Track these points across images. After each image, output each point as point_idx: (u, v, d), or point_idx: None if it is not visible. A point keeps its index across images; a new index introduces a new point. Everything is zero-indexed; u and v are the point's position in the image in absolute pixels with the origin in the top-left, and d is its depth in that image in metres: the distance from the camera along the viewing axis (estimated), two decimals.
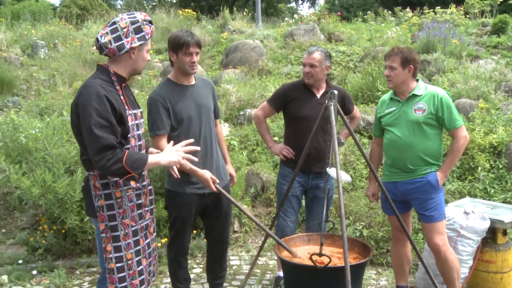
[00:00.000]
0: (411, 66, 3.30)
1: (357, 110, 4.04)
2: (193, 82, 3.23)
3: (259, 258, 4.74)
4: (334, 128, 2.81)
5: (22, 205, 4.77)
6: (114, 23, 2.51)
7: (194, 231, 4.88)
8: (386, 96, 3.57)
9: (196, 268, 4.50)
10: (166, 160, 2.56)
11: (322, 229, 2.86)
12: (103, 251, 2.56)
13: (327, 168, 3.05)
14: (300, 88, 3.74)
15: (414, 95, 3.34)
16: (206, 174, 3.05)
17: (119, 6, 32.13)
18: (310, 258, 2.59)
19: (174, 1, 29.32)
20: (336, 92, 2.87)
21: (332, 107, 2.87)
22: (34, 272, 4.19)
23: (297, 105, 3.70)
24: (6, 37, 8.63)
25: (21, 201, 4.74)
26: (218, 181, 3.11)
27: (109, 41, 2.47)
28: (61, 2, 22.87)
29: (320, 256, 2.64)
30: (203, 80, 3.37)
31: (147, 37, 2.53)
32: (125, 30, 2.49)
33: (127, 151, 2.41)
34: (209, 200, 3.28)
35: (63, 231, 4.40)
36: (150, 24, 2.56)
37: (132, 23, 2.50)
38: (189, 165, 2.94)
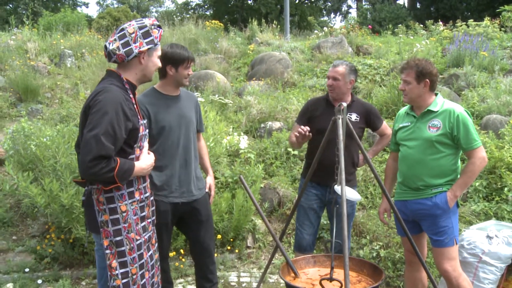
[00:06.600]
0: (427, 80, 3.08)
1: (386, 127, 3.86)
2: (177, 93, 3.29)
3: (271, 275, 4.58)
4: (341, 143, 2.66)
5: (34, 212, 4.76)
6: (122, 29, 2.50)
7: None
8: (403, 110, 3.38)
9: None
10: (148, 165, 2.59)
11: (332, 250, 2.68)
12: (107, 267, 2.46)
13: (335, 186, 2.90)
14: (323, 102, 3.75)
15: (430, 111, 3.12)
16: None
17: (153, 18, 32.78)
18: (320, 283, 2.43)
19: (208, 14, 29.69)
20: (345, 104, 2.74)
21: (339, 121, 2.74)
22: (39, 281, 4.15)
23: (318, 119, 3.68)
24: (35, 46, 8.80)
25: (34, 209, 4.73)
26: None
27: (117, 47, 2.46)
28: (98, 13, 23.51)
29: (330, 281, 2.47)
30: (187, 93, 3.45)
31: (155, 41, 2.52)
32: (133, 35, 2.48)
33: (119, 161, 2.35)
34: (184, 210, 3.26)
35: (70, 240, 4.35)
36: (159, 28, 2.55)
37: (140, 28, 2.49)
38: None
